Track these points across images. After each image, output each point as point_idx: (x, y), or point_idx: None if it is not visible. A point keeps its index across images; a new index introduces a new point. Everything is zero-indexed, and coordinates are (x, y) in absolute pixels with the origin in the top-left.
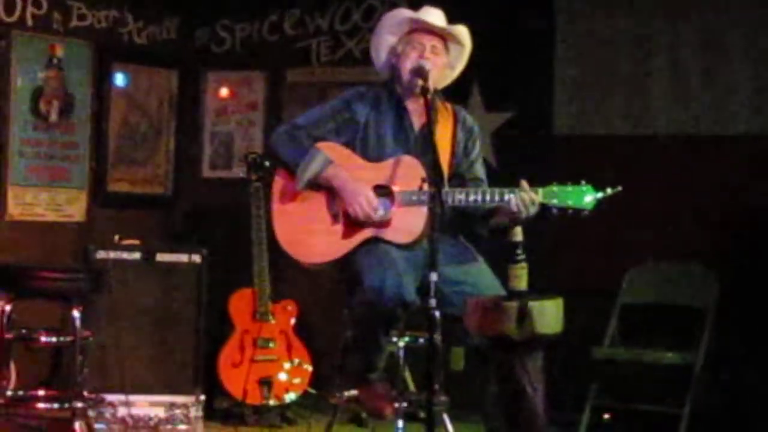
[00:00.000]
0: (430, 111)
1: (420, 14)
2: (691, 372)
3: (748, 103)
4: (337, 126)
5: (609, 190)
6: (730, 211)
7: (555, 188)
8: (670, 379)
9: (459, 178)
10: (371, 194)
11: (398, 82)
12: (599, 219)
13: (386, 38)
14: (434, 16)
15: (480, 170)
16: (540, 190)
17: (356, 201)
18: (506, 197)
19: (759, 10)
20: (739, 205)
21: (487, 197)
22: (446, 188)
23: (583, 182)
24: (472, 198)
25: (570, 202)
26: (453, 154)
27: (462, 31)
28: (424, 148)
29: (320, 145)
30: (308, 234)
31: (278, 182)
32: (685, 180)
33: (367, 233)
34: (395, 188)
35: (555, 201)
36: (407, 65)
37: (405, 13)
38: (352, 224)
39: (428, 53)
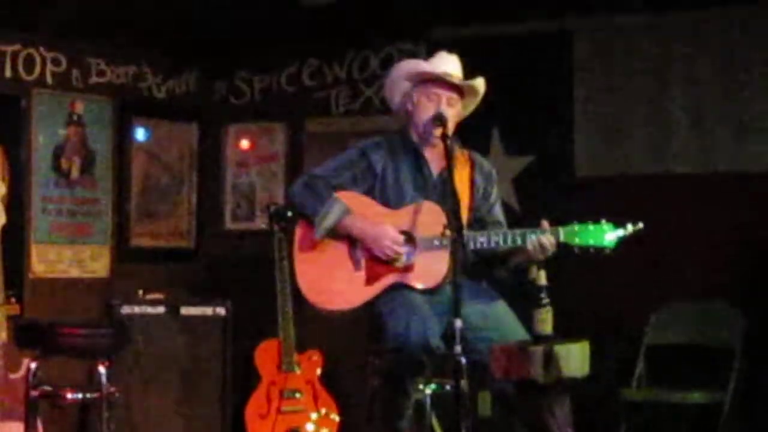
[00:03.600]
0: (450, 157)
1: (436, 64)
2: (720, 411)
3: None
4: (354, 175)
5: (630, 227)
6: (753, 247)
7: (576, 227)
8: (700, 419)
9: (479, 222)
10: (394, 232)
11: (414, 130)
12: (623, 260)
13: (402, 84)
14: (450, 64)
15: (499, 214)
16: (561, 230)
17: (381, 243)
18: (527, 239)
19: None
20: (764, 242)
21: (509, 239)
22: (468, 232)
23: (603, 221)
24: (494, 240)
25: (591, 241)
26: (472, 198)
27: (479, 84)
28: (443, 193)
29: (339, 194)
30: (330, 281)
31: (299, 231)
32: (708, 218)
33: (390, 279)
34: (416, 234)
35: (576, 240)
36: (423, 116)
37: (423, 65)
38: (375, 270)
39: (444, 105)
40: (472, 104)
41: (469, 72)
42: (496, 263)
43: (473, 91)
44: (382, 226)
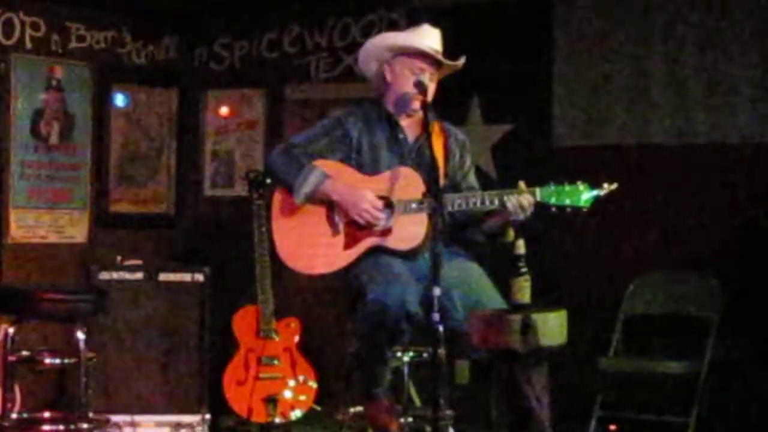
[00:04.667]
0: (428, 123)
1: (420, 38)
2: (696, 381)
3: (750, 109)
4: (330, 143)
5: (605, 187)
6: (732, 218)
7: (553, 188)
8: (676, 389)
9: (454, 189)
10: (373, 197)
11: (390, 99)
12: (601, 230)
13: (383, 53)
14: (434, 39)
15: (474, 180)
16: (537, 190)
17: (359, 207)
18: (505, 199)
19: (759, 14)
20: (742, 212)
21: (486, 200)
22: (445, 195)
23: (579, 182)
24: (471, 201)
25: (567, 201)
26: (447, 165)
27: (461, 64)
28: (419, 160)
29: (317, 162)
30: (309, 246)
31: (277, 197)
32: (687, 189)
33: (368, 243)
34: (394, 198)
35: (553, 200)
36: (405, 87)
37: (411, 39)
38: (354, 234)
39: (427, 80)
40: (442, 76)
41: (449, 40)
42: (472, 226)
43: (451, 68)
44: (361, 190)
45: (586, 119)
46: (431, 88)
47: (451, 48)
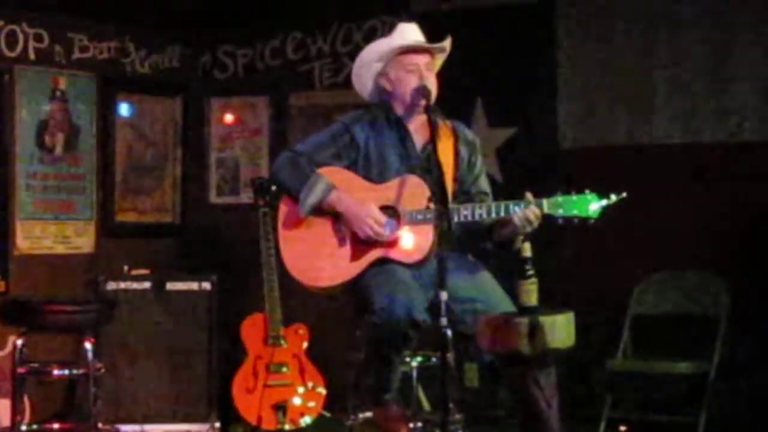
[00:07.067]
0: (434, 128)
1: (403, 36)
2: (705, 381)
3: (755, 110)
4: (337, 150)
5: (613, 197)
6: (739, 218)
7: (560, 199)
8: (685, 389)
9: (465, 194)
10: (377, 212)
11: (400, 103)
12: (608, 231)
13: (373, 67)
14: (414, 33)
15: (484, 184)
16: (545, 201)
17: (363, 221)
18: (511, 211)
19: (764, 15)
20: (749, 212)
21: (493, 212)
22: (452, 205)
23: (587, 191)
24: (477, 213)
25: (575, 212)
26: (457, 169)
27: (448, 44)
28: (428, 166)
29: (322, 170)
30: (315, 258)
31: (283, 208)
32: (693, 189)
33: (375, 254)
34: (400, 208)
35: (561, 212)
36: (408, 88)
37: (392, 42)
38: (360, 246)
39: (425, 72)
40: (439, 63)
41: (452, 44)
42: (481, 236)
43: (443, 50)
44: (366, 204)
45: (590, 121)
46: (432, 80)
47: (453, 52)
